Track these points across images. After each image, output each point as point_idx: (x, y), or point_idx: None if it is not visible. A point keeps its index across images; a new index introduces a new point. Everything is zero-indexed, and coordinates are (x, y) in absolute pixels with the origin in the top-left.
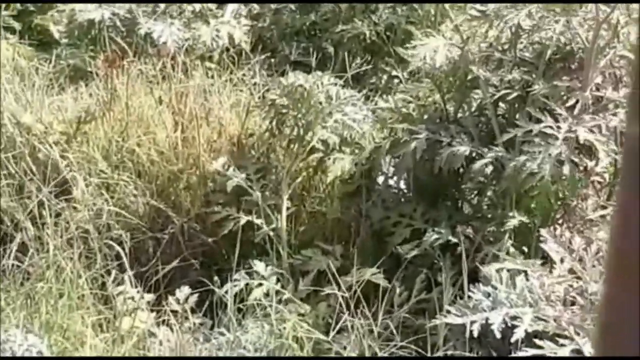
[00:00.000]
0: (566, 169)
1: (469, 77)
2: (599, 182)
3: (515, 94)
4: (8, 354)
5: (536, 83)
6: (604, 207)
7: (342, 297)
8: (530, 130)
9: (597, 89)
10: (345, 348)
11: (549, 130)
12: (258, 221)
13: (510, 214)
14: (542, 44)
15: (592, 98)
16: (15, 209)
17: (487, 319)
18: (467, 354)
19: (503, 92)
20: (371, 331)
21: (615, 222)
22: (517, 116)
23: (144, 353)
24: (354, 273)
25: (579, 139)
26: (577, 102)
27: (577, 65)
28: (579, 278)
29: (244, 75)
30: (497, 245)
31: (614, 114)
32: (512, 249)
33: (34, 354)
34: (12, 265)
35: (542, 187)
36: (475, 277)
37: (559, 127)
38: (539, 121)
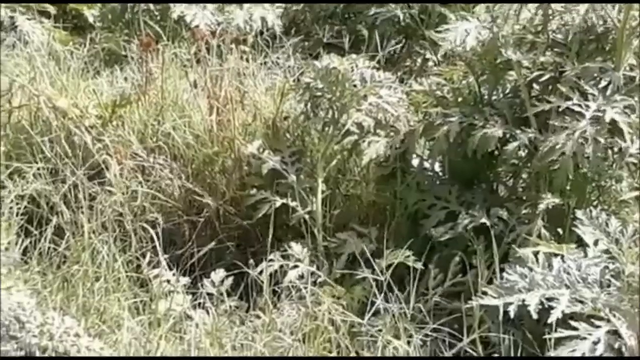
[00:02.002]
0: (589, 147)
1: (503, 59)
2: (634, 164)
3: (548, 76)
4: (46, 337)
5: (569, 64)
6: (639, 189)
7: (376, 280)
8: (562, 111)
9: (631, 69)
10: (380, 331)
11: (577, 108)
12: (293, 204)
13: (544, 195)
14: (573, 25)
15: (625, 79)
16: (50, 193)
17: (523, 300)
18: (502, 336)
19: (536, 73)
20: (405, 314)
21: None
22: (550, 97)
23: (180, 336)
24: (386, 256)
25: (605, 119)
26: (609, 83)
27: (610, 46)
28: (614, 259)
29: (278, 58)
30: (529, 227)
31: None
32: (543, 231)
33: (72, 336)
34: (49, 248)
35: (563, 164)
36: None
37: (587, 106)
38: (569, 100)
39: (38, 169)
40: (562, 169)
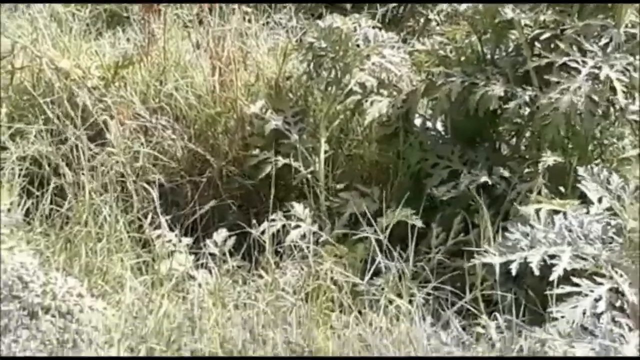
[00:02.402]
0: (581, 104)
1: (504, 18)
2: (635, 121)
3: (549, 34)
4: (49, 297)
5: (569, 22)
6: None
7: (378, 239)
8: (561, 68)
9: (632, 26)
10: (383, 289)
11: (573, 64)
12: (296, 164)
13: (545, 153)
14: None
15: (626, 36)
16: (52, 154)
17: (525, 258)
18: (504, 293)
19: (537, 31)
20: (406, 273)
21: None
22: (552, 56)
23: (183, 295)
24: (388, 215)
25: (600, 76)
26: (610, 40)
27: (612, 3)
28: (616, 216)
29: (280, 18)
30: (530, 184)
31: None
32: (544, 190)
33: (74, 296)
34: (51, 209)
35: (554, 119)
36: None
37: (584, 62)
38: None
39: (40, 130)
40: (553, 124)
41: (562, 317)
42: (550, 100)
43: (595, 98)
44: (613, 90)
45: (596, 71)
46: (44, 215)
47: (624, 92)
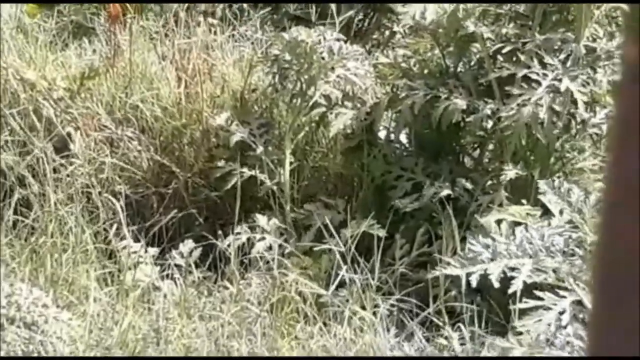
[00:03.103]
0: (542, 114)
1: (466, 32)
2: (596, 134)
3: (510, 47)
4: (14, 308)
5: (531, 35)
6: (600, 158)
7: (340, 251)
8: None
9: (593, 40)
10: (347, 301)
11: (534, 76)
12: (261, 176)
13: (507, 166)
14: None
15: (586, 50)
16: (18, 164)
17: (485, 270)
18: (467, 305)
19: (499, 45)
20: (371, 285)
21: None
22: (513, 68)
23: (149, 306)
24: (352, 226)
25: (560, 88)
26: (570, 54)
27: (573, 17)
28: (577, 228)
29: (246, 31)
30: (492, 196)
31: (606, 66)
32: (506, 202)
33: (39, 307)
34: (16, 220)
35: (516, 130)
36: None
37: (545, 75)
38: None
39: (6, 141)
40: (515, 134)
41: (527, 330)
42: (512, 112)
43: (557, 109)
44: (574, 103)
45: (557, 83)
46: (9, 226)
47: (585, 103)
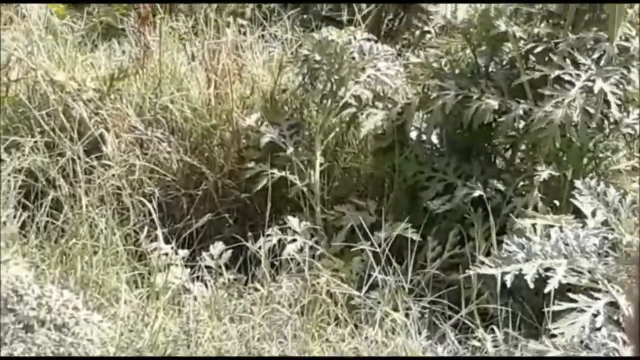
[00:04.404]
0: (576, 116)
1: (498, 31)
2: (630, 134)
3: (543, 47)
4: (44, 310)
5: (563, 35)
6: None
7: (374, 252)
8: (555, 81)
9: (626, 39)
10: (379, 303)
11: (567, 77)
12: (291, 177)
13: (540, 167)
14: None
15: (619, 49)
16: (48, 166)
17: (520, 270)
18: (500, 307)
19: (531, 45)
20: (403, 287)
21: None
22: (546, 69)
23: (179, 309)
24: (385, 228)
25: (594, 90)
26: (603, 53)
27: (605, 16)
28: (612, 230)
29: (276, 31)
30: (526, 199)
31: None
32: (540, 204)
33: (70, 310)
34: (47, 222)
35: (550, 131)
36: (506, 232)
37: (578, 76)
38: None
39: (35, 142)
40: (549, 136)
41: (561, 333)
42: (545, 113)
43: (590, 110)
44: (607, 103)
45: (590, 84)
46: (40, 228)
47: (617, 104)
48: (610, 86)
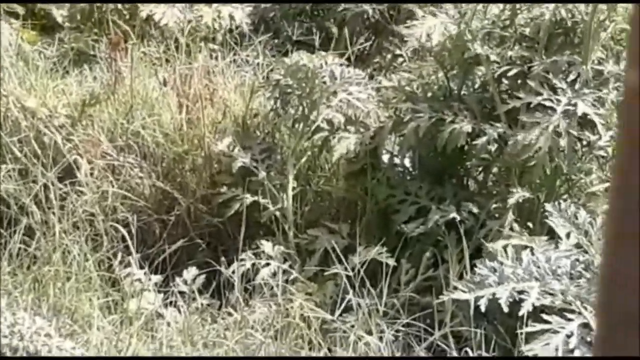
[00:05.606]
0: (563, 141)
1: (471, 54)
2: (602, 157)
3: (516, 70)
4: (17, 337)
5: (537, 58)
6: (607, 181)
7: (348, 276)
8: (530, 104)
9: (599, 63)
10: (353, 326)
11: (548, 103)
12: (264, 201)
13: (514, 189)
14: (541, 19)
15: (593, 72)
16: (20, 193)
17: (494, 294)
18: (474, 330)
19: (504, 68)
20: (377, 310)
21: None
22: (520, 92)
23: (152, 334)
24: (359, 252)
25: (577, 113)
26: (578, 76)
27: (579, 39)
28: (585, 252)
29: (247, 56)
30: (500, 221)
31: (616, 88)
32: (515, 225)
33: (42, 337)
34: (19, 248)
35: (539, 159)
36: (481, 254)
37: (558, 100)
38: (539, 95)
39: (8, 170)
40: (539, 164)
41: (535, 354)
42: (532, 141)
43: (574, 133)
44: (580, 125)
45: (571, 108)
46: (12, 255)
47: (602, 125)
48: (593, 108)
